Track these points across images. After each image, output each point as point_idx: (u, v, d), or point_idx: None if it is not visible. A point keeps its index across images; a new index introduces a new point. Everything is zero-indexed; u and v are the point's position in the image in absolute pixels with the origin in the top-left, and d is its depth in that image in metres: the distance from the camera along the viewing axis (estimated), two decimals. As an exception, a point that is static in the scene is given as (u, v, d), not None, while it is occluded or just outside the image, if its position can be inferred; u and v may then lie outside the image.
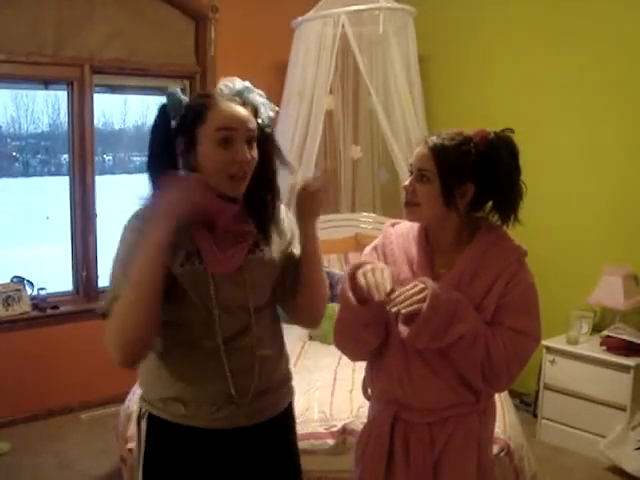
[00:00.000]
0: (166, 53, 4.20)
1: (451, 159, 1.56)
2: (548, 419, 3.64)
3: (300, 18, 4.24)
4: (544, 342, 3.53)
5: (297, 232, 1.64)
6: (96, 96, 4.00)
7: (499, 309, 1.59)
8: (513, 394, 3.53)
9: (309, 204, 1.57)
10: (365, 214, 4.65)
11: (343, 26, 4.05)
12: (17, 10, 3.62)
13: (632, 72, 3.56)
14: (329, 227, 4.20)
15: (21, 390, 3.72)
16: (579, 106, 3.80)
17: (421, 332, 1.51)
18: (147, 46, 4.11)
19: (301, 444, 2.56)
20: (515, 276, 1.59)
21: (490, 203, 1.63)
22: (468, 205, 1.61)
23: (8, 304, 3.73)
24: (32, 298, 3.87)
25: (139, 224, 1.47)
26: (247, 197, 1.55)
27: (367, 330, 1.62)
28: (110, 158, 6.78)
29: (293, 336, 3.48)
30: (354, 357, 1.80)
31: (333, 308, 1.74)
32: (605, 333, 3.51)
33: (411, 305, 1.48)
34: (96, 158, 4.13)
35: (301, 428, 2.60)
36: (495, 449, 2.23)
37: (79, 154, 3.97)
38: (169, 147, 1.50)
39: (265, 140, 1.56)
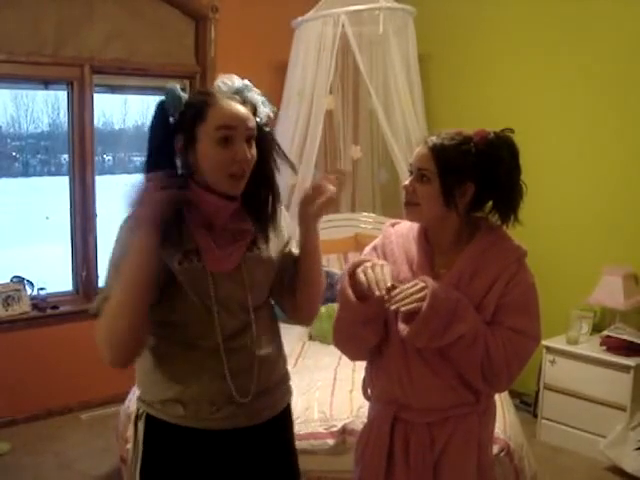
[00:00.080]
0: (166, 53, 4.20)
1: (451, 159, 1.56)
2: (548, 419, 3.64)
3: (300, 18, 4.24)
4: (544, 342, 3.53)
5: (295, 232, 1.64)
6: (96, 96, 4.00)
7: (499, 309, 1.58)
8: (513, 394, 3.53)
9: (318, 206, 1.55)
10: (365, 214, 4.65)
11: (343, 26, 4.05)
12: (17, 10, 3.62)
13: (632, 72, 3.56)
14: (329, 227, 4.20)
15: (21, 390, 3.72)
16: (579, 106, 3.80)
17: (420, 331, 1.51)
18: (147, 46, 4.11)
19: (301, 444, 2.57)
20: (515, 276, 1.59)
21: (490, 203, 1.63)
22: (468, 205, 1.61)
23: (8, 304, 3.73)
24: (32, 298, 3.87)
25: (132, 224, 1.46)
26: (245, 195, 1.54)
27: (366, 328, 1.62)
28: (110, 158, 6.77)
29: (293, 336, 3.49)
30: (353, 356, 1.80)
31: (333, 308, 1.74)
32: (605, 333, 3.50)
33: (411, 303, 1.48)
34: (96, 158, 4.13)
35: (301, 428, 2.62)
36: (495, 449, 2.23)
37: (79, 154, 3.97)
38: (167, 144, 1.49)
39: (264, 139, 1.55)
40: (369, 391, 1.79)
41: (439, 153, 1.57)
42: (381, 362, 1.69)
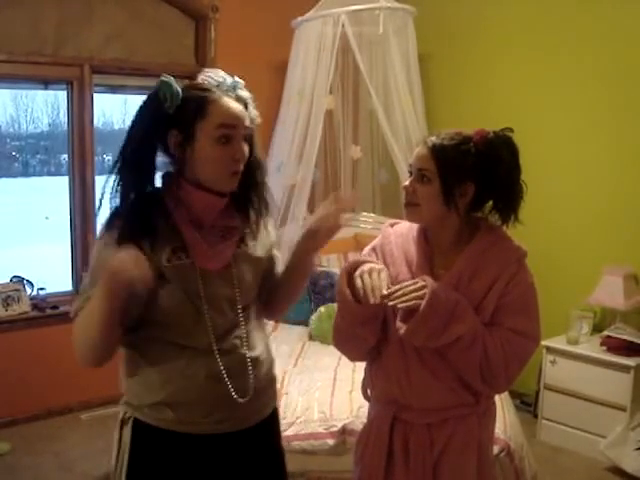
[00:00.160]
0: (166, 53, 4.20)
1: (451, 159, 1.56)
2: (548, 419, 3.64)
3: (300, 18, 4.23)
4: (544, 342, 3.53)
5: (277, 238, 1.70)
6: (96, 96, 4.00)
7: (498, 310, 1.58)
8: (513, 394, 3.53)
9: (320, 239, 1.58)
10: (365, 214, 4.64)
11: (343, 26, 4.04)
12: (17, 10, 3.62)
13: (632, 72, 3.56)
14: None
15: (21, 390, 3.72)
16: (579, 106, 3.80)
17: (418, 329, 1.50)
18: (147, 46, 4.11)
19: (301, 444, 2.59)
20: (515, 276, 1.58)
21: (490, 203, 1.63)
22: (468, 205, 1.61)
23: (8, 304, 3.73)
24: (32, 298, 3.87)
25: (108, 237, 1.43)
26: (233, 192, 1.52)
27: (364, 328, 1.62)
28: (110, 158, 6.77)
29: (293, 336, 3.48)
30: (353, 356, 1.80)
31: (333, 308, 1.74)
32: (605, 333, 3.50)
33: (409, 301, 1.48)
34: (96, 158, 4.12)
35: (301, 428, 2.63)
36: (495, 449, 2.23)
37: (79, 154, 3.97)
38: (153, 137, 1.44)
39: (250, 136, 1.53)
40: (369, 391, 1.79)
41: (439, 153, 1.57)
42: (380, 362, 1.69)
